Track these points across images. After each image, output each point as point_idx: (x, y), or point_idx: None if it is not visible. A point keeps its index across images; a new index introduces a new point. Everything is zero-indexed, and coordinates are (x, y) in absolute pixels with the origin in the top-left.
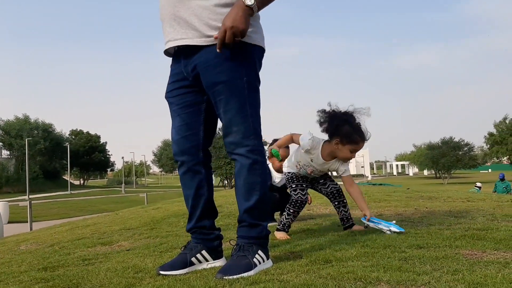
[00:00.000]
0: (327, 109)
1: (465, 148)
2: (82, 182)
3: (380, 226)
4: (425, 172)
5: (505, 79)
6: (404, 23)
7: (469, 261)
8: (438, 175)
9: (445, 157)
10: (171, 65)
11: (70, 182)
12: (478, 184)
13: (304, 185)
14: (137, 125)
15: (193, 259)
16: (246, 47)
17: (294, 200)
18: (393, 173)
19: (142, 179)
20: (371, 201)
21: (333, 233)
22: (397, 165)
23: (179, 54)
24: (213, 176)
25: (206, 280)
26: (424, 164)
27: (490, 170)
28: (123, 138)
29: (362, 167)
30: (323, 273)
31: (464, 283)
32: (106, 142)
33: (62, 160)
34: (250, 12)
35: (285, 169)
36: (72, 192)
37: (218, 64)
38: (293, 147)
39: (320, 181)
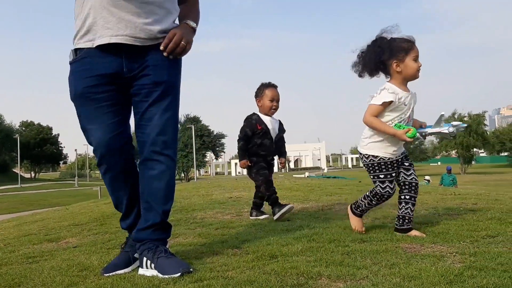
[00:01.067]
0: (357, 54)
1: (416, 142)
2: (33, 175)
3: (437, 130)
4: None
5: (455, 76)
6: (364, 19)
7: (407, 255)
8: None
9: None
10: (92, 59)
11: (21, 175)
12: (427, 177)
13: (394, 174)
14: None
15: (136, 255)
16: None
17: (379, 194)
18: (348, 165)
19: (96, 172)
20: (323, 194)
21: (283, 227)
22: (352, 158)
23: (117, 50)
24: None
25: (151, 278)
26: None
27: (439, 163)
28: (76, 130)
29: (318, 159)
30: (268, 269)
31: (399, 277)
32: (58, 134)
33: (12, 152)
34: (194, 33)
35: (365, 150)
36: (23, 185)
37: (166, 65)
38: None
39: (405, 164)
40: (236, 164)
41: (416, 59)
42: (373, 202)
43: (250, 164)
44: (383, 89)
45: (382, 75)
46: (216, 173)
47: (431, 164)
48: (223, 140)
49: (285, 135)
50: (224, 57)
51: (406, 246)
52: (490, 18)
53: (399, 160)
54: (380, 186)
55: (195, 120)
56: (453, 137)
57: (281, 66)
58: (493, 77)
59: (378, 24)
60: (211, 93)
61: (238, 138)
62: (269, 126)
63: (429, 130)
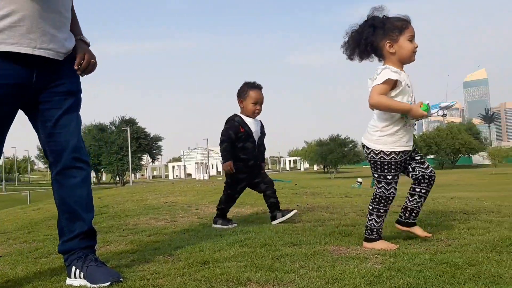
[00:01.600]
0: (347, 33)
1: (350, 145)
2: None
3: (431, 115)
4: (315, 167)
5: None
6: (302, 24)
7: (333, 257)
8: (326, 170)
9: (332, 153)
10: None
11: None
12: (359, 179)
13: (400, 175)
14: (19, 118)
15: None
16: None
17: (385, 197)
18: (286, 168)
19: (26, 175)
20: (259, 198)
21: (216, 233)
22: (289, 160)
23: (29, 61)
24: (103, 172)
25: None
26: (314, 159)
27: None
28: None
29: None
30: (198, 276)
31: (324, 279)
32: None
33: None
34: None
35: (375, 145)
36: None
37: (77, 76)
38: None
39: (417, 158)
40: (173, 167)
41: (411, 39)
42: (381, 210)
43: (233, 171)
44: (384, 68)
45: (375, 60)
46: (153, 177)
47: (364, 166)
48: (160, 143)
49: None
50: (159, 58)
51: (333, 249)
52: (426, 24)
53: (409, 156)
54: (385, 188)
55: (130, 122)
56: (444, 116)
57: (217, 68)
58: (423, 83)
59: (313, 27)
60: (148, 94)
61: (221, 140)
62: (252, 129)
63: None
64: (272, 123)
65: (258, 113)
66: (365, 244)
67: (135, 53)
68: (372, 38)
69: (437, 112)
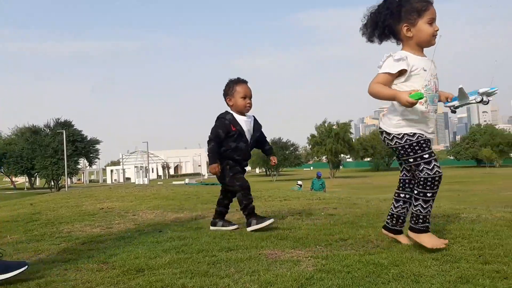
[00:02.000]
0: (365, 15)
1: (291, 148)
2: None
3: (465, 102)
4: (257, 170)
5: (326, 86)
6: (249, 28)
7: (268, 261)
8: (268, 173)
9: None
10: None
11: None
12: (299, 182)
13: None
14: None
15: None
16: None
17: (431, 178)
18: None
19: None
20: (199, 202)
21: (153, 239)
22: None
23: None
24: (37, 177)
25: None
26: (256, 162)
27: (312, 168)
28: None
29: (199, 165)
30: (133, 284)
31: (258, 283)
32: None
33: None
34: None
35: (396, 129)
36: None
37: None
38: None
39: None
40: (112, 171)
41: (432, 21)
42: (428, 194)
43: (217, 171)
44: (388, 56)
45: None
46: (90, 181)
47: (304, 169)
48: (97, 146)
49: (165, 141)
50: (98, 58)
51: (268, 253)
52: (355, 34)
53: None
54: (427, 168)
55: (66, 125)
56: (486, 103)
57: (159, 69)
58: (359, 88)
59: (253, 34)
60: (85, 95)
61: (208, 139)
62: (244, 128)
63: (456, 103)
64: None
65: (250, 108)
66: (410, 233)
67: (75, 52)
68: (389, 21)
69: (475, 99)
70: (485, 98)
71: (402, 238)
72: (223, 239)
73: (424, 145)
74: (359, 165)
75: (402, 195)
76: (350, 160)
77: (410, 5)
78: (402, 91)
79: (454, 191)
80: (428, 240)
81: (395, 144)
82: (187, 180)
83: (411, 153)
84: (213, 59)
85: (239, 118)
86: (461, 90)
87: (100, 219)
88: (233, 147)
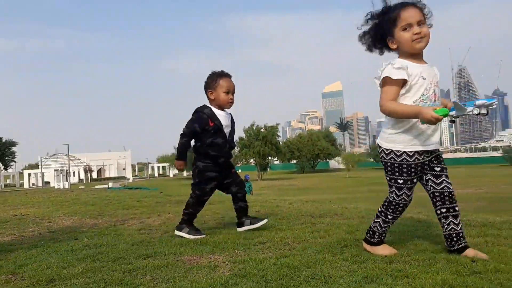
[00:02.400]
0: (358, 28)
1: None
2: None
3: (464, 112)
4: (185, 173)
5: (254, 90)
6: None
7: (186, 267)
8: None
9: None
10: None
11: None
12: None
13: (416, 180)
14: None
15: None
16: None
17: (394, 203)
18: (154, 174)
19: None
20: (120, 207)
21: (67, 247)
22: (158, 167)
23: None
24: None
25: None
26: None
27: (240, 170)
28: None
29: (123, 169)
30: None
31: None
32: None
33: None
34: None
35: (386, 144)
36: None
37: None
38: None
39: (436, 169)
40: (30, 175)
41: (407, 27)
42: (389, 216)
43: (182, 169)
44: (387, 64)
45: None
46: (6, 186)
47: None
48: (14, 148)
49: (86, 144)
50: (14, 57)
51: (187, 259)
52: (282, 40)
53: (428, 161)
54: (396, 194)
55: None
56: (485, 115)
57: (84, 68)
58: (286, 93)
59: (188, 33)
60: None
61: (182, 132)
62: (223, 123)
63: (454, 113)
64: (140, 127)
65: (232, 103)
66: (365, 245)
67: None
68: (377, 37)
69: (472, 111)
70: (483, 110)
71: (467, 252)
72: (141, 246)
73: (404, 170)
74: (286, 167)
75: (437, 212)
76: (278, 162)
77: (387, 15)
78: (426, 107)
79: (374, 192)
80: (382, 251)
81: (381, 157)
82: (110, 184)
83: (389, 172)
84: (139, 60)
85: (218, 113)
86: (456, 104)
87: (12, 226)
88: (209, 142)
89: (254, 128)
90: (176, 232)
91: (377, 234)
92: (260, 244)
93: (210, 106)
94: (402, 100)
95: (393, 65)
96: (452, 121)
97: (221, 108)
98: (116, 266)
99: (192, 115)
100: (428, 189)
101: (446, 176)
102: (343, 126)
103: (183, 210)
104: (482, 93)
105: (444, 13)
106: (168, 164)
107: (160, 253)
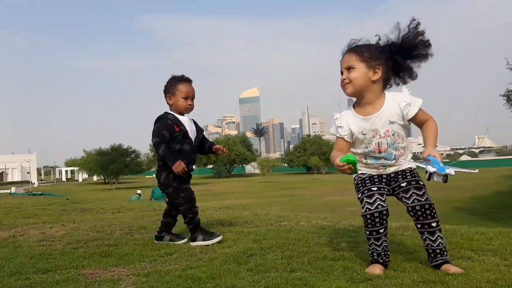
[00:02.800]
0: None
1: (133, 155)
2: None
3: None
4: (95, 178)
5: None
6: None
7: (87, 282)
8: (107, 181)
9: (114, 163)
10: None
11: None
12: (138, 191)
13: (375, 189)
14: None
15: None
16: None
17: (363, 216)
18: (62, 178)
19: None
20: (20, 217)
21: None
22: (66, 171)
23: None
24: None
25: None
26: (93, 170)
27: (154, 175)
28: None
29: (28, 173)
30: None
31: None
32: None
33: None
34: None
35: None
36: None
37: None
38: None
39: (402, 185)
40: None
41: (341, 72)
42: (367, 232)
43: (186, 169)
44: (335, 119)
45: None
46: None
47: (146, 176)
48: None
49: None
50: None
51: (89, 273)
52: (200, 43)
53: (391, 176)
54: (361, 207)
55: None
56: (444, 182)
57: None
58: (203, 97)
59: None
60: None
61: (154, 143)
62: (188, 128)
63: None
64: (49, 129)
65: (191, 109)
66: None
67: None
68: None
69: (432, 177)
70: (435, 178)
71: (448, 268)
72: (41, 259)
73: (359, 185)
74: (202, 172)
75: (416, 227)
76: (194, 167)
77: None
78: (337, 152)
79: (287, 196)
80: (370, 269)
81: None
82: (13, 189)
83: (356, 192)
84: (44, 58)
85: (181, 118)
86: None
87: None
88: (177, 149)
89: None
90: (193, 244)
91: (369, 252)
92: (167, 256)
93: (172, 112)
94: (352, 148)
95: (335, 120)
96: (445, 181)
97: (181, 113)
98: (12, 281)
99: (156, 123)
100: (404, 205)
101: (416, 189)
102: (259, 131)
103: (184, 222)
104: None
105: (358, 24)
106: (77, 168)
107: (60, 266)
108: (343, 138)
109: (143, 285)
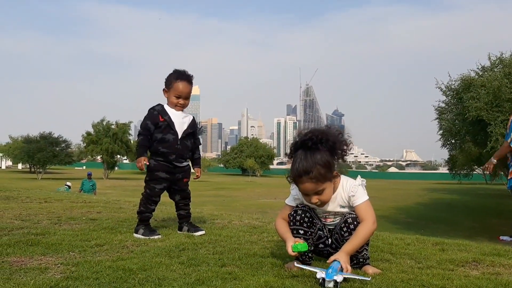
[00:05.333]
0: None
1: (63, 145)
2: None
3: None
4: (20, 166)
5: (104, 85)
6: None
7: (12, 269)
8: (33, 170)
9: (41, 152)
10: None
11: None
12: (68, 183)
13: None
14: None
15: None
16: None
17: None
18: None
19: None
20: None
21: None
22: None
23: None
24: None
25: None
26: (19, 157)
27: (84, 167)
28: None
29: None
30: None
31: None
32: None
33: None
34: None
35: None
36: None
37: None
38: None
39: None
40: None
41: (306, 194)
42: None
43: (147, 163)
44: (292, 188)
45: None
46: None
47: (76, 168)
48: None
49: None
50: None
51: (15, 260)
52: (140, 36)
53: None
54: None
55: None
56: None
57: None
58: (142, 92)
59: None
60: None
61: (138, 132)
62: (174, 119)
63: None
64: None
65: (182, 107)
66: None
67: None
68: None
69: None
70: (326, 284)
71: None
72: None
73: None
74: (136, 167)
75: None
76: (127, 161)
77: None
78: (290, 239)
79: (220, 196)
80: (289, 266)
81: None
82: None
83: None
84: None
85: (170, 110)
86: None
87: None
88: (159, 138)
89: (104, 124)
90: (134, 235)
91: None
92: (98, 247)
93: (163, 104)
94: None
95: (291, 190)
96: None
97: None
98: None
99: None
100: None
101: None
102: (198, 130)
103: (137, 211)
104: (324, 111)
105: (296, 33)
106: (0, 154)
107: None
108: (293, 206)
109: (72, 274)
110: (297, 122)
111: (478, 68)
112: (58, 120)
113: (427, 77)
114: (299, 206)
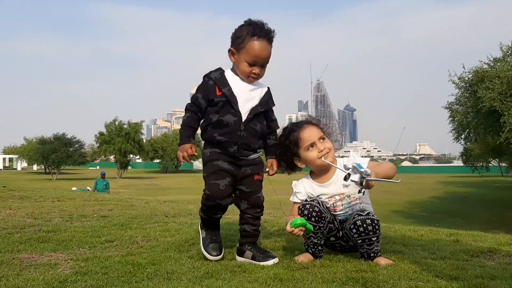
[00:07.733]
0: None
1: (76, 145)
2: None
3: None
4: (35, 167)
5: (118, 84)
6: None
7: (22, 266)
8: (47, 171)
9: (56, 153)
10: None
11: None
12: (88, 187)
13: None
14: None
15: None
16: None
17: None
18: None
19: None
20: None
21: None
22: (4, 158)
23: None
24: None
25: None
26: (34, 158)
27: (98, 167)
28: None
29: None
30: None
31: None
32: None
33: None
34: None
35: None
36: None
37: None
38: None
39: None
40: None
41: (310, 145)
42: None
43: (194, 154)
44: (294, 186)
45: None
46: None
47: (90, 168)
48: None
49: None
50: None
51: (25, 257)
52: (152, 35)
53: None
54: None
55: None
56: (360, 184)
57: None
58: (154, 90)
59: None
60: None
61: (185, 107)
62: (237, 93)
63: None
64: None
65: (256, 79)
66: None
67: None
68: (288, 158)
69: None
70: (352, 177)
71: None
72: None
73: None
74: (148, 166)
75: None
76: (140, 160)
77: (292, 138)
78: (290, 217)
79: None
80: (300, 258)
81: None
82: None
83: None
84: None
85: (233, 79)
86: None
87: None
88: (215, 120)
89: (117, 123)
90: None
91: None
92: (108, 243)
93: (225, 69)
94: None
95: (294, 188)
96: (361, 183)
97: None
98: None
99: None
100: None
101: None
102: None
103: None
104: (336, 107)
105: (307, 29)
106: (16, 156)
107: None
108: (298, 203)
109: (81, 269)
110: (309, 118)
111: (489, 60)
112: (71, 120)
113: (440, 70)
114: (308, 200)
